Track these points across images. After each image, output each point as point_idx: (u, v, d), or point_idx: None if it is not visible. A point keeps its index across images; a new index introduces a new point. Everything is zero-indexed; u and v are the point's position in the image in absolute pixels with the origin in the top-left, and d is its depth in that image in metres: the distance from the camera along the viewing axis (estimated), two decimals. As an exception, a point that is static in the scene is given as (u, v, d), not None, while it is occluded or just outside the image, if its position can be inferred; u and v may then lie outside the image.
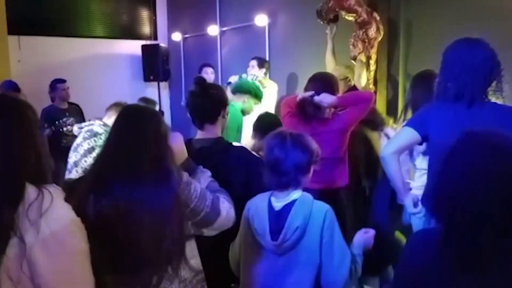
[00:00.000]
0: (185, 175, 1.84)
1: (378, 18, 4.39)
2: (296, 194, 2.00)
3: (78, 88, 6.45)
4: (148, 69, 7.97)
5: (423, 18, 4.32)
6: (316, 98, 3.07)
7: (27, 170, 1.29)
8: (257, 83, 4.86)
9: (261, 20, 6.15)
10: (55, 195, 1.29)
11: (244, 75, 5.20)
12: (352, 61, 4.50)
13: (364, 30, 4.40)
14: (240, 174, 2.27)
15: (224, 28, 7.06)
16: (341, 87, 4.46)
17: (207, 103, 2.36)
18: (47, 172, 1.36)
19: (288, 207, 1.96)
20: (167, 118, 8.35)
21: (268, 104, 5.14)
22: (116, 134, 1.80)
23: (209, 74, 6.35)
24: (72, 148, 4.37)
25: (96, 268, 1.36)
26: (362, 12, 4.39)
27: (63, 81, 6.21)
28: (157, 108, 4.67)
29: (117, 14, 8.28)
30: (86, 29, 7.95)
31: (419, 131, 2.34)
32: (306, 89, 3.22)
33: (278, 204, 2.00)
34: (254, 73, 5.33)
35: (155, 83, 8.07)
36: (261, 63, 5.54)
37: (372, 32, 4.37)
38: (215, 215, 1.85)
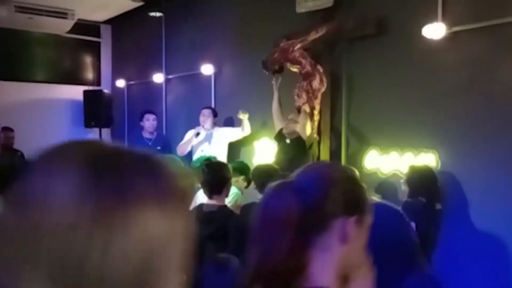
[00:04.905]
0: None
1: (321, 70, 4.55)
2: None
3: (16, 133, 6.21)
4: (89, 115, 7.74)
5: (363, 71, 4.51)
6: None
7: None
8: None
9: (207, 69, 6.17)
10: None
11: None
12: (297, 111, 4.60)
13: (308, 81, 4.54)
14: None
15: (170, 76, 7.06)
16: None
17: (215, 181, 3.01)
18: None
19: None
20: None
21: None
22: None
23: (150, 121, 6.26)
24: None
25: None
26: (306, 64, 4.54)
27: (11, 130, 6.01)
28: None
29: (60, 59, 8.13)
30: (27, 73, 7.75)
31: None
32: None
33: None
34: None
35: (97, 130, 7.88)
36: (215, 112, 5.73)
37: (316, 83, 4.52)
38: None
